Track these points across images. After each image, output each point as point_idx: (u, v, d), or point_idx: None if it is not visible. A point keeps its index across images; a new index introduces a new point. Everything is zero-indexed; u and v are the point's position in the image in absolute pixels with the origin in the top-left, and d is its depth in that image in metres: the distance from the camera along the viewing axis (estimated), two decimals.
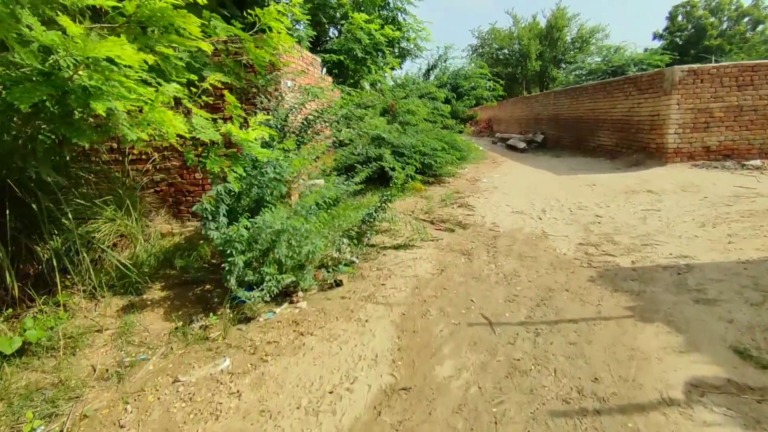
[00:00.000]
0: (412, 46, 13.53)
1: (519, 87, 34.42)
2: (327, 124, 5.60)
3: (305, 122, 5.09)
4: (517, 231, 5.17)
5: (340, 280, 3.84)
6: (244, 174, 3.29)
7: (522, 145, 14.39)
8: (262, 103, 4.41)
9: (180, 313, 3.44)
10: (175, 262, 3.98)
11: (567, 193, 6.91)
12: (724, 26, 33.82)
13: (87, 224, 4.03)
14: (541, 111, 15.80)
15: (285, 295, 3.68)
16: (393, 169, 7.59)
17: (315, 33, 10.39)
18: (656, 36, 36.31)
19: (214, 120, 3.35)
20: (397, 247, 4.76)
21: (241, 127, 3.44)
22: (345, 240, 4.46)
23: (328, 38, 12.07)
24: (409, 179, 7.50)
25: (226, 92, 3.50)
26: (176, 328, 3.14)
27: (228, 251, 3.09)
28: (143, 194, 5.65)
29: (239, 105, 3.46)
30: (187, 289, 3.81)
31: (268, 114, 4.48)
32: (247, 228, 3.22)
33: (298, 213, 3.52)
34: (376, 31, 10.86)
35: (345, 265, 4.21)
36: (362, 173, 6.40)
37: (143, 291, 3.69)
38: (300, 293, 3.70)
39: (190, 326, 3.17)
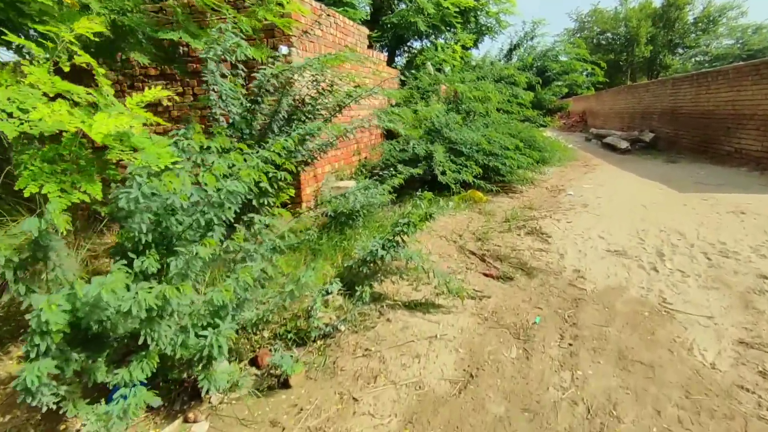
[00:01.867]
0: (492, 21, 11.37)
1: (622, 76, 30.01)
2: (335, 111, 3.97)
3: (291, 109, 3.51)
4: (615, 292, 3.18)
5: (286, 379, 2.24)
6: (98, 196, 1.78)
7: (624, 144, 11.61)
8: (207, 75, 2.85)
9: (7, 418, 2.07)
10: None
11: (697, 224, 4.62)
12: None
13: None
14: (652, 103, 12.76)
15: (193, 395, 2.18)
16: (444, 173, 5.80)
17: (371, 1, 8.78)
18: None
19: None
20: (412, 306, 3.03)
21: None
22: (334, 288, 2.86)
23: (389, 12, 10.38)
24: (456, 187, 5.66)
25: (79, 50, 1.99)
26: None
27: (33, 343, 1.61)
28: None
29: (104, 71, 1.95)
30: None
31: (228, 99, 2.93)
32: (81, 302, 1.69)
33: (182, 275, 1.94)
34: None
35: (315, 339, 2.61)
36: (393, 179, 4.79)
37: None
38: (214, 396, 2.17)
39: None
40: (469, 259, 3.98)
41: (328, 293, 2.85)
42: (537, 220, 5.08)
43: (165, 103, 4.00)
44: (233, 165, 2.14)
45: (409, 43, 10.44)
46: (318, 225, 4.66)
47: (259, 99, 3.12)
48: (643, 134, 12.14)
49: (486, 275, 3.61)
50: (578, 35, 30.18)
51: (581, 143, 15.21)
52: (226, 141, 2.31)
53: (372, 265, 3.06)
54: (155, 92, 2.01)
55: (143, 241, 1.87)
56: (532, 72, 10.70)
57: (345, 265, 3.36)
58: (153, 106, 4.14)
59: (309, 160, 3.42)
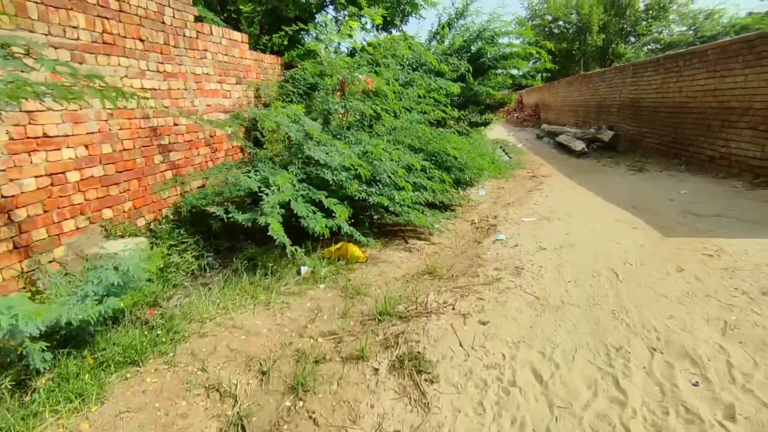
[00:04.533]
0: None
1: (575, 66, 28.67)
2: None
3: None
4: None
5: None
6: None
7: (579, 145, 9.59)
8: None
9: None
10: None
11: (718, 328, 2.43)
12: None
13: None
14: (608, 94, 10.84)
15: None
16: (299, 218, 3.38)
17: None
18: None
19: None
20: None
21: None
22: None
23: None
24: (291, 249, 3.27)
25: None
26: None
27: None
28: None
29: None
30: None
31: None
32: None
33: None
34: None
35: None
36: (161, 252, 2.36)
37: None
38: None
39: None
40: None
41: None
42: (429, 315, 2.74)
43: None
44: None
45: (299, 23, 7.92)
46: None
47: None
48: (600, 132, 10.17)
49: None
50: (530, 23, 28.57)
51: (532, 141, 13.25)
52: None
53: None
54: None
55: None
56: (462, 58, 8.44)
57: None
58: None
59: None
